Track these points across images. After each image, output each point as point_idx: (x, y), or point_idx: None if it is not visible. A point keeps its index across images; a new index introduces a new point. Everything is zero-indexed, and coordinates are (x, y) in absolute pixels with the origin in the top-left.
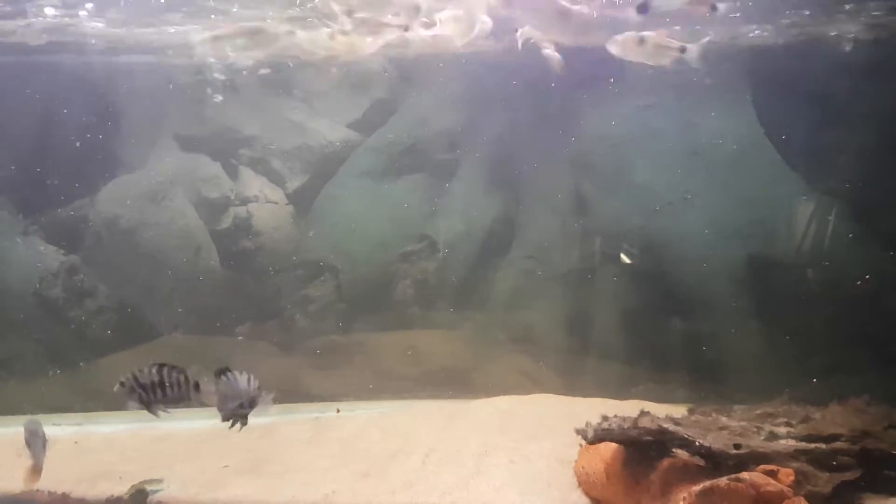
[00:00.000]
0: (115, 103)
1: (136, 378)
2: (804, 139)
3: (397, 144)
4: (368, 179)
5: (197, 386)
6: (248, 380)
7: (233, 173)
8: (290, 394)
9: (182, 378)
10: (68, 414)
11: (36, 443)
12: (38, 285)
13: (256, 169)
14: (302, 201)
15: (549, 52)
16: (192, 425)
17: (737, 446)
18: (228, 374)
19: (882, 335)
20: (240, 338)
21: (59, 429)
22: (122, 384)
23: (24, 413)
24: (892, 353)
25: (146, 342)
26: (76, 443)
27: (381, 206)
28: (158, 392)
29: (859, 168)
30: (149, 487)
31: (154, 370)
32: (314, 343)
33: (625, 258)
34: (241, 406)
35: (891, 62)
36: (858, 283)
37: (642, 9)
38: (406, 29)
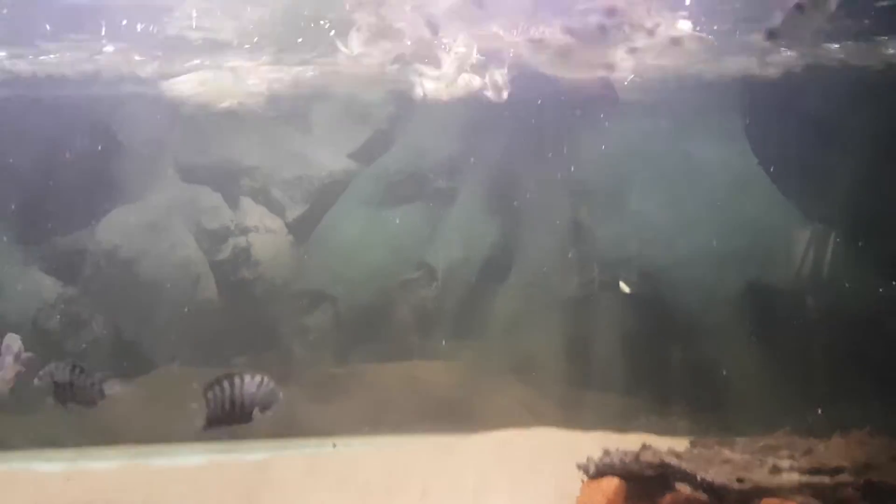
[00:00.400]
0: (116, 134)
1: (52, 375)
2: (798, 167)
3: (396, 173)
4: (367, 208)
5: (102, 393)
6: (259, 384)
7: (233, 203)
8: (286, 427)
9: (90, 383)
10: (61, 449)
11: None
12: (35, 316)
13: (256, 199)
14: (301, 230)
15: None
16: (187, 461)
17: (740, 480)
18: (230, 380)
19: (883, 363)
20: (236, 368)
21: (51, 464)
22: (39, 378)
23: (15, 448)
24: (894, 382)
25: (143, 374)
26: (68, 479)
27: (379, 234)
28: (69, 391)
29: (854, 195)
30: None
31: (67, 370)
32: (311, 374)
33: (624, 287)
34: (233, 413)
35: (883, 90)
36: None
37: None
38: None
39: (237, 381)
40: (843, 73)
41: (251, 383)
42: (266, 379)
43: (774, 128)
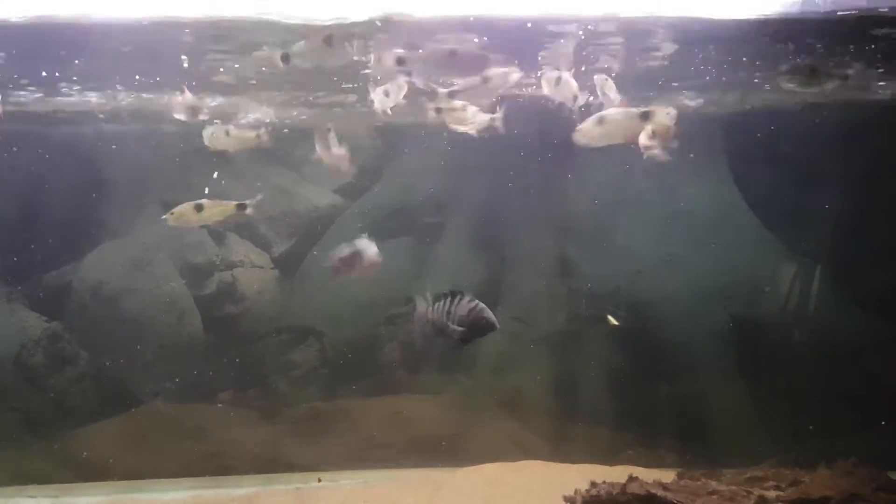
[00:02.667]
0: (102, 170)
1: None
2: (781, 202)
3: (383, 208)
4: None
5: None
6: (472, 308)
7: (219, 239)
8: (272, 463)
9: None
10: (45, 485)
11: None
12: (19, 352)
13: (242, 234)
14: (287, 265)
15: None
16: (173, 496)
17: None
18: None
19: (867, 395)
20: (220, 405)
21: (35, 501)
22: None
23: None
24: (877, 414)
25: (126, 410)
26: None
27: None
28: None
29: (838, 229)
30: None
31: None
32: (297, 410)
33: (612, 320)
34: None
35: (864, 126)
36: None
37: None
38: None
39: (458, 299)
40: (826, 108)
41: (465, 306)
42: (479, 306)
43: (758, 163)
